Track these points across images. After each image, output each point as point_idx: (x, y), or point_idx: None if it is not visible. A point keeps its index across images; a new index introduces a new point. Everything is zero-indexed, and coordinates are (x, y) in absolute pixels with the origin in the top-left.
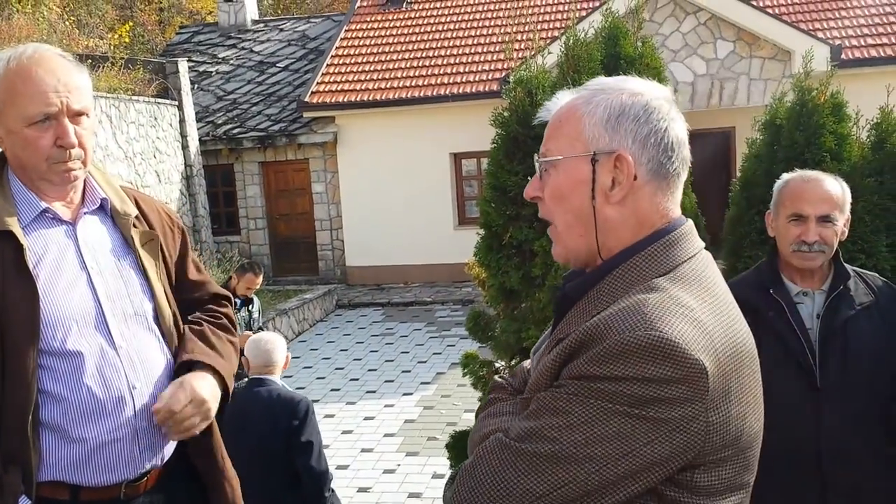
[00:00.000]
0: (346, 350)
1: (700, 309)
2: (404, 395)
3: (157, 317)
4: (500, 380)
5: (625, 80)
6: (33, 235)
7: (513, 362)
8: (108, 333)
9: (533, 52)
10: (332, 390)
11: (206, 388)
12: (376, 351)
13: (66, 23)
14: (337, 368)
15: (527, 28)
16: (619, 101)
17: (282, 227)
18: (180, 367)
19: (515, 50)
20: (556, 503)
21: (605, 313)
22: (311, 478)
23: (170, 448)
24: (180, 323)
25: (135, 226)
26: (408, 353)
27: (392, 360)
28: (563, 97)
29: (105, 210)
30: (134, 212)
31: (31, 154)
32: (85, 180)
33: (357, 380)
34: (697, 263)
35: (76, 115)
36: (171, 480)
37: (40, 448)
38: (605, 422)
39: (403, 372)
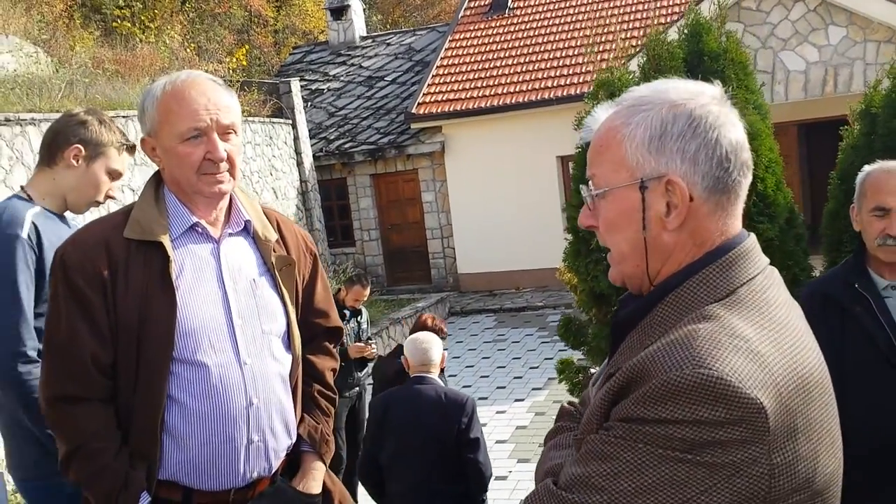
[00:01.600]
0: (458, 357)
1: (758, 339)
2: (516, 401)
3: (288, 338)
4: (568, 406)
5: (665, 90)
6: (181, 249)
7: None
8: (236, 350)
9: (616, 55)
10: None
11: (317, 485)
12: (488, 357)
13: (187, 50)
14: (449, 376)
15: (611, 30)
16: (659, 119)
17: (394, 237)
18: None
19: (598, 52)
20: None
21: (652, 347)
22: (478, 472)
23: (277, 462)
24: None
25: (274, 250)
26: (519, 358)
27: (504, 367)
28: (602, 113)
29: (248, 232)
30: (274, 237)
31: (184, 168)
32: (231, 202)
33: (469, 386)
34: (759, 285)
35: (225, 132)
36: (279, 489)
37: (162, 449)
38: (656, 469)
39: (515, 378)
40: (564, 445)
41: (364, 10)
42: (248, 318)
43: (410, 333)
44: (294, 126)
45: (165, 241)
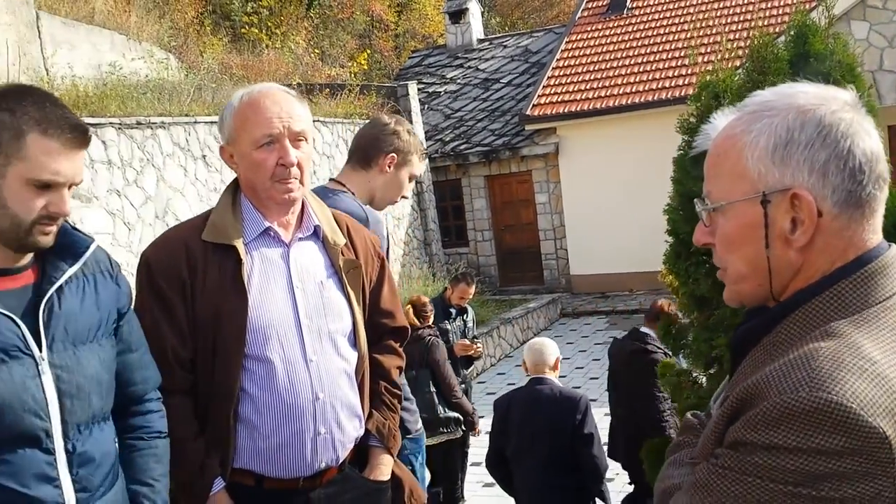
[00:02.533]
0: (568, 358)
1: (886, 363)
2: None
3: (354, 336)
4: (692, 419)
5: (792, 94)
6: (253, 252)
7: (712, 371)
8: (303, 347)
9: (721, 56)
10: None
11: (384, 475)
12: (598, 360)
13: (311, 55)
14: (560, 377)
15: (716, 31)
16: (784, 126)
17: (507, 237)
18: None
19: (701, 54)
20: None
21: (770, 367)
22: (593, 465)
23: (344, 452)
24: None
25: (342, 254)
26: None
27: None
28: (721, 120)
29: (318, 236)
30: (343, 241)
31: (258, 173)
32: (303, 208)
33: (578, 388)
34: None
35: (296, 139)
36: (348, 478)
37: (236, 438)
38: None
39: None
40: (682, 464)
41: (482, 12)
42: (314, 318)
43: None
44: None
45: (239, 244)
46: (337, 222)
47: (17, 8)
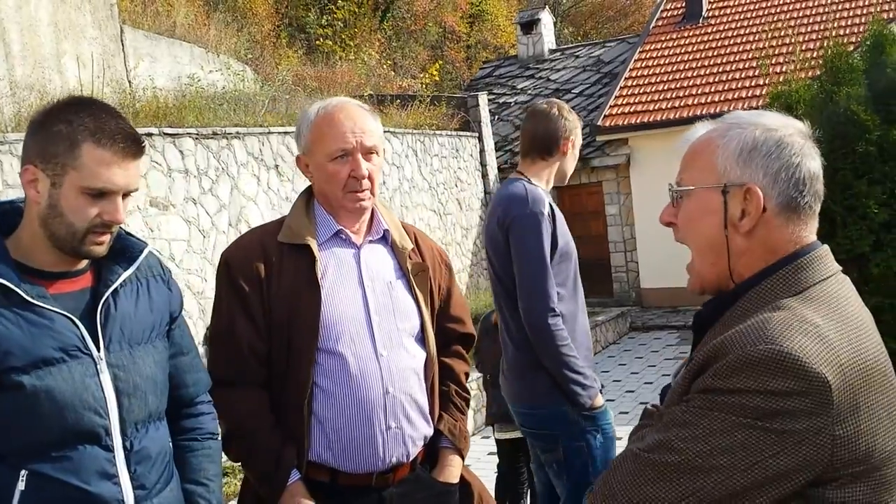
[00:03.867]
0: (636, 373)
1: (826, 326)
2: None
3: (423, 337)
4: (651, 408)
5: (760, 115)
6: (326, 252)
7: None
8: (374, 343)
9: (795, 66)
10: (621, 413)
11: (454, 476)
12: (668, 375)
13: (384, 66)
14: (627, 391)
15: (789, 41)
16: (752, 136)
17: (577, 249)
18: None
19: (774, 64)
20: None
21: (731, 331)
22: None
23: (415, 449)
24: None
25: (410, 257)
26: None
27: None
28: (701, 129)
29: (386, 240)
30: (410, 245)
31: (331, 184)
32: (372, 214)
33: (645, 403)
34: (830, 286)
35: (367, 153)
36: (420, 476)
37: (311, 432)
38: (730, 433)
39: None
40: (643, 438)
41: (555, 23)
42: (384, 316)
43: None
44: (480, 139)
45: (313, 244)
46: (405, 230)
47: (103, 22)
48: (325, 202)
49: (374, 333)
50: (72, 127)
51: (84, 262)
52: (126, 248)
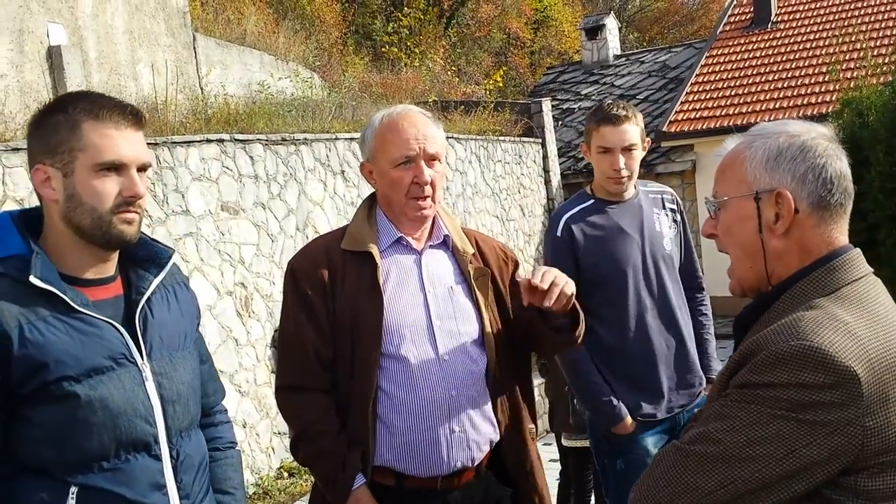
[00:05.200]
0: None
1: (856, 323)
2: None
3: (483, 340)
4: (698, 413)
5: (784, 124)
6: (388, 258)
7: None
8: (435, 347)
9: (866, 72)
10: None
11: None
12: None
13: (448, 73)
14: None
15: (861, 46)
16: (776, 144)
17: None
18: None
19: (844, 70)
20: (724, 500)
21: (765, 329)
22: None
23: (480, 454)
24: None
25: (471, 262)
26: None
27: None
28: (731, 143)
29: (447, 245)
30: (471, 250)
31: (395, 191)
32: (434, 220)
33: None
34: (860, 286)
35: (430, 160)
36: (484, 481)
37: (376, 435)
38: (766, 425)
39: None
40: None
41: (620, 28)
42: (445, 320)
43: None
44: (543, 145)
45: (374, 251)
46: (466, 235)
47: (176, 31)
48: (387, 209)
49: (436, 337)
50: (68, 114)
51: (113, 269)
52: (154, 255)
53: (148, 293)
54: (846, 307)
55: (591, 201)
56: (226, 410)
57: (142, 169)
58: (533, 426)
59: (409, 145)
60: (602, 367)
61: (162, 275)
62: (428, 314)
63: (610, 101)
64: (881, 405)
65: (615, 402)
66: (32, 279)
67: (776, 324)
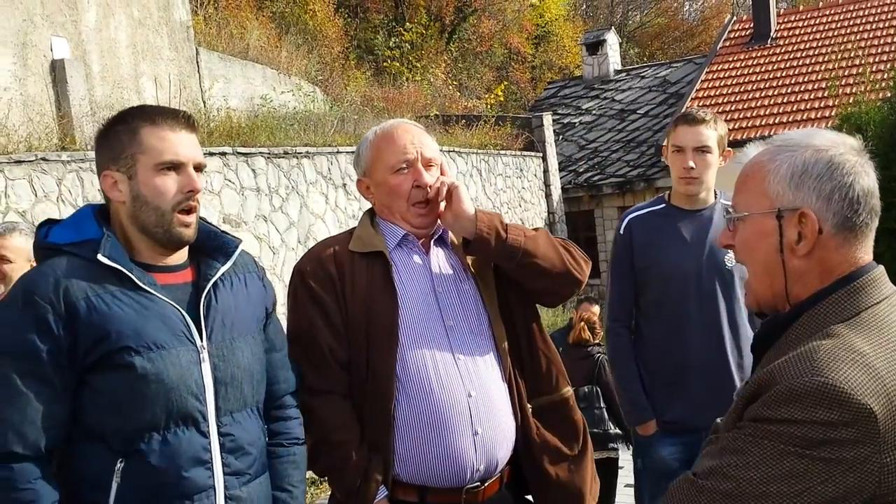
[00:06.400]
0: None
1: (874, 354)
2: None
3: (493, 334)
4: (718, 421)
5: (811, 136)
6: (397, 257)
7: None
8: (449, 345)
9: (865, 88)
10: None
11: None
12: None
13: (449, 87)
14: None
15: (860, 62)
16: (802, 159)
17: None
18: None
19: (843, 86)
20: None
21: (781, 360)
22: None
23: (503, 454)
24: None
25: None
26: None
27: None
28: (752, 150)
29: (445, 241)
30: (458, 241)
31: (395, 198)
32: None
33: None
34: (882, 310)
35: (428, 164)
36: (506, 497)
37: (395, 442)
38: (780, 462)
39: None
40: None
41: (620, 43)
42: (457, 319)
43: None
44: (544, 159)
45: (385, 250)
46: None
47: (180, 45)
48: (388, 217)
49: (450, 337)
50: (128, 124)
51: (184, 258)
52: (222, 245)
53: (213, 280)
54: (865, 335)
55: (662, 206)
56: (296, 405)
57: (197, 168)
58: (569, 389)
59: (406, 149)
60: (641, 365)
61: (229, 263)
62: (440, 312)
63: (696, 108)
64: None
65: (643, 401)
66: (100, 257)
67: (792, 353)
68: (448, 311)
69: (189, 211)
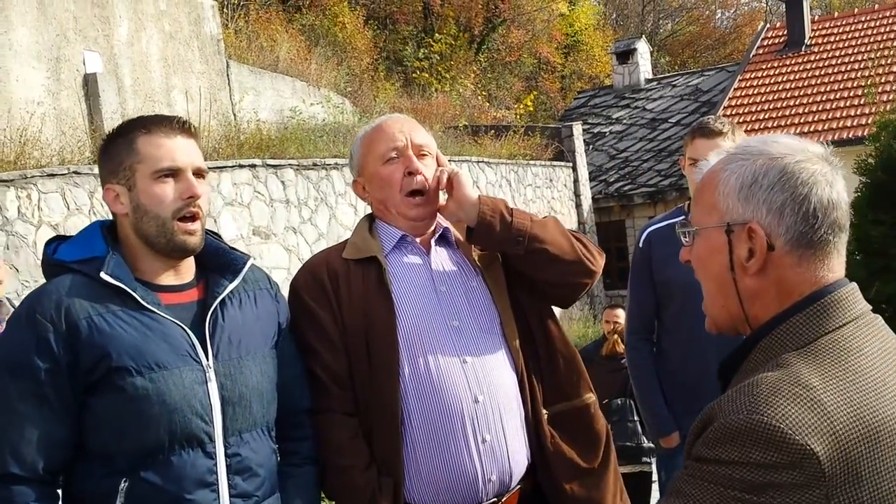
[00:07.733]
0: None
1: (823, 388)
2: None
3: (504, 333)
4: None
5: (768, 143)
6: (393, 259)
7: None
8: (455, 347)
9: None
10: None
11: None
12: None
13: (478, 97)
14: None
15: None
16: (752, 169)
17: None
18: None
19: (881, 93)
20: None
21: (723, 395)
22: None
23: (519, 463)
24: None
25: (473, 250)
26: None
27: None
28: (713, 159)
29: (448, 239)
30: (463, 237)
31: (388, 189)
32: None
33: None
34: (845, 333)
35: (419, 152)
36: None
37: (406, 462)
38: None
39: None
40: None
41: (651, 52)
42: (463, 319)
43: None
44: (574, 169)
45: (378, 254)
46: None
47: (210, 58)
48: (385, 215)
49: (454, 339)
50: (126, 136)
51: (191, 276)
52: (231, 262)
53: (220, 297)
54: (817, 365)
55: (682, 217)
56: (311, 425)
57: (198, 174)
58: (591, 395)
59: (395, 137)
60: (663, 377)
61: (237, 281)
62: (443, 314)
63: (712, 117)
64: (851, 483)
65: (665, 413)
66: (103, 275)
67: (735, 388)
68: (453, 312)
69: (191, 218)
